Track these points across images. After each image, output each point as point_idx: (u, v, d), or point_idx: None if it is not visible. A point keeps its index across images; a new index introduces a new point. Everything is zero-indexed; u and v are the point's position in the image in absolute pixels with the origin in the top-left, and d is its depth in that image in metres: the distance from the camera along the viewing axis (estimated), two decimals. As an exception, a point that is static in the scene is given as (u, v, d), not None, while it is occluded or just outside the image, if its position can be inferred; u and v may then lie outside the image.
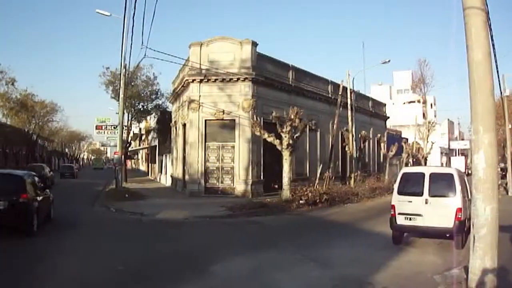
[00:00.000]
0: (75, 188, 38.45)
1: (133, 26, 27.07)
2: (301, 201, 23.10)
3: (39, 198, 14.91)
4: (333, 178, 29.92)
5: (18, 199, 13.27)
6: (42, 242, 13.08)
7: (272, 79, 31.33)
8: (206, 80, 29.66)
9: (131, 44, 27.28)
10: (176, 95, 37.94)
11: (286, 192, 24.28)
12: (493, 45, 11.12)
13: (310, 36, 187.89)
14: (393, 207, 12.87)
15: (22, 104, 63.46)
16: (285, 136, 24.68)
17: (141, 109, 48.80)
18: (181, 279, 9.32)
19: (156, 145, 55.22)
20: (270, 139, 25.59)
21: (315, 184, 26.58)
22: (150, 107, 49.45)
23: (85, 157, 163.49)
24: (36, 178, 16.15)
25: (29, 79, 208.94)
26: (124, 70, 30.51)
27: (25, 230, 13.56)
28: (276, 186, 25.54)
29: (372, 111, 50.54)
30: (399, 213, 12.69)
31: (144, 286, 8.99)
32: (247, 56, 29.74)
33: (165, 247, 13.20)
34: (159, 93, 48.41)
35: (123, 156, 34.52)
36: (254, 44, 30.05)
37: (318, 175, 28.30)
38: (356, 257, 11.25)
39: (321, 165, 30.48)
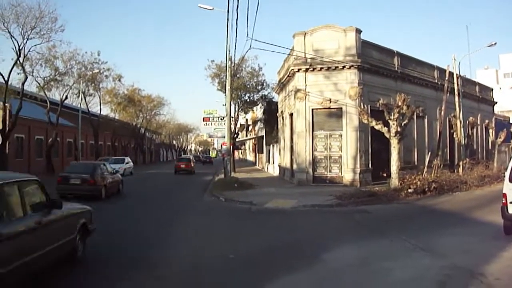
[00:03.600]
0: (186, 178, 40.20)
1: (237, 18, 27.83)
2: (409, 190, 22.70)
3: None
4: (441, 166, 29.13)
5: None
6: (156, 230, 13.97)
7: (377, 66, 30.98)
8: (311, 69, 29.87)
9: (236, 36, 28.01)
10: (281, 85, 38.38)
11: (394, 181, 24.04)
12: None
13: (411, 20, 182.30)
14: (504, 195, 12.38)
15: (129, 99, 66.51)
16: (393, 124, 24.39)
17: (247, 100, 49.78)
18: (291, 267, 9.46)
19: (263, 135, 56.03)
20: (378, 127, 25.37)
21: (424, 172, 26.13)
22: (256, 98, 50.31)
23: (193, 148, 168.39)
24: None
25: (135, 75, 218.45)
26: (229, 62, 31.36)
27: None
28: (385, 175, 25.32)
29: (479, 97, 48.27)
30: (510, 202, 12.24)
31: (256, 274, 9.12)
32: (352, 44, 29.61)
33: (274, 235, 13.59)
34: (264, 84, 49.12)
35: (231, 147, 35.41)
36: (358, 31, 29.84)
37: (426, 163, 27.77)
38: (466, 247, 11.02)
39: (429, 153, 29.85)
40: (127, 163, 46.04)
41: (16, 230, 6.84)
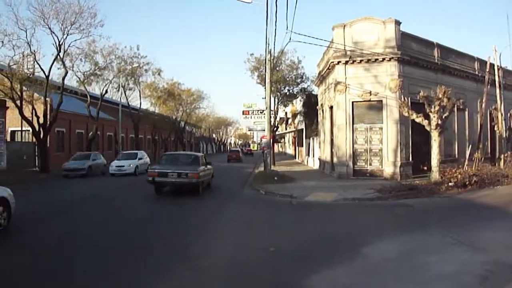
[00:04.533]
0: (227, 170, 40.60)
1: (276, 11, 27.87)
2: (450, 183, 22.41)
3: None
4: (482, 159, 28.67)
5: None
6: (196, 225, 14.26)
7: (417, 58, 30.69)
8: (351, 61, 29.85)
9: (275, 29, 28.12)
10: (321, 78, 38.33)
11: (435, 174, 23.87)
12: None
13: (449, 10, 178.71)
14: None
15: (169, 93, 66.97)
16: (434, 116, 24.21)
17: (287, 93, 49.87)
18: (333, 260, 9.52)
19: (302, 128, 55.93)
20: (418, 120, 25.22)
21: (464, 166, 25.81)
22: (296, 91, 50.39)
23: (232, 141, 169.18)
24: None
25: (174, 69, 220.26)
26: (269, 55, 31.50)
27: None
28: (425, 168, 25.13)
29: (520, 89, 47.21)
30: None
31: (295, 268, 9.20)
32: (391, 35, 29.44)
33: (315, 229, 13.64)
34: (304, 77, 49.18)
35: (271, 140, 35.59)
36: (398, 23, 29.62)
37: (467, 156, 27.44)
38: (508, 242, 10.92)
39: (470, 146, 29.48)
40: (140, 158, 38.61)
41: (205, 168, 23.32)
